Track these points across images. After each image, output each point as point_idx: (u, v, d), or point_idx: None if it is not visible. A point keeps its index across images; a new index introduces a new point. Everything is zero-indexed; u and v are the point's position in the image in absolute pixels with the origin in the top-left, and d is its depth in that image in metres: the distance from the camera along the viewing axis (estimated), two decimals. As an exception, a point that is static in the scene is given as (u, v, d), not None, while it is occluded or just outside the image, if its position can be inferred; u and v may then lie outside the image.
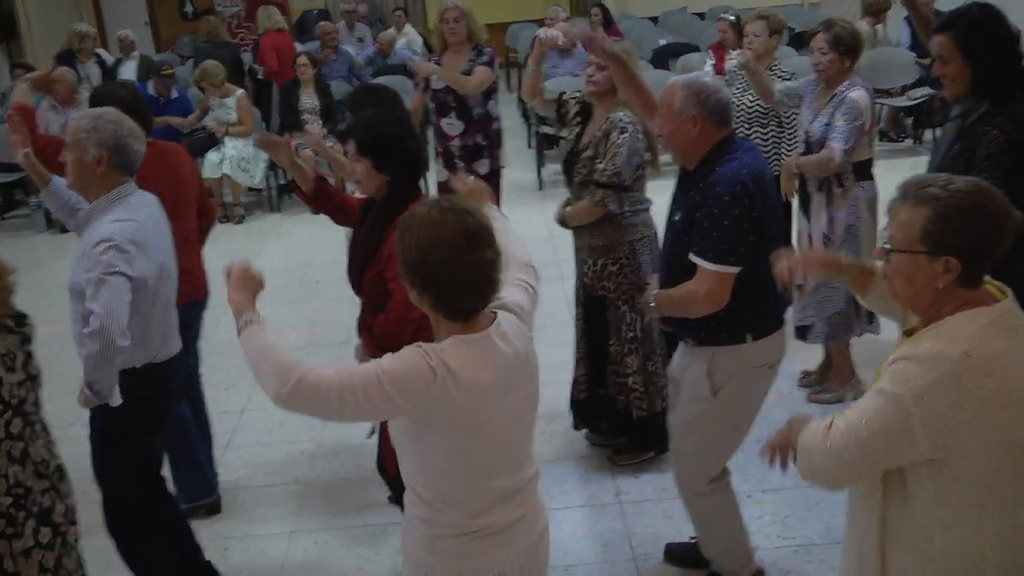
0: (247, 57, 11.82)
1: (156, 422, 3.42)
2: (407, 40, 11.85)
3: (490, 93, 5.98)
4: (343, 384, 2.15)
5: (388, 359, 2.18)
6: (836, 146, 4.38)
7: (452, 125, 5.92)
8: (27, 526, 2.62)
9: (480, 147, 5.97)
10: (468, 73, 5.84)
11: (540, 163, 9.27)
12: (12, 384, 2.58)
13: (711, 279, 3.04)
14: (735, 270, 3.03)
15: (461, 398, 2.16)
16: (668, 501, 3.53)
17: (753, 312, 3.13)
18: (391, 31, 11.71)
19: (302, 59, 8.91)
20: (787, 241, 4.79)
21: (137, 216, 3.19)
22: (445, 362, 2.15)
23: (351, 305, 6.49)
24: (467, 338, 2.21)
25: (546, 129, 9.25)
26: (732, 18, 6.76)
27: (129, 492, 3.40)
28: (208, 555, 3.91)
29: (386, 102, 4.00)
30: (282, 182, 9.10)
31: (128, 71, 11.23)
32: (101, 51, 12.22)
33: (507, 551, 2.34)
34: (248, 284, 2.46)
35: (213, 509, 4.28)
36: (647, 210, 4.22)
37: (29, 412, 2.64)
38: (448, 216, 2.18)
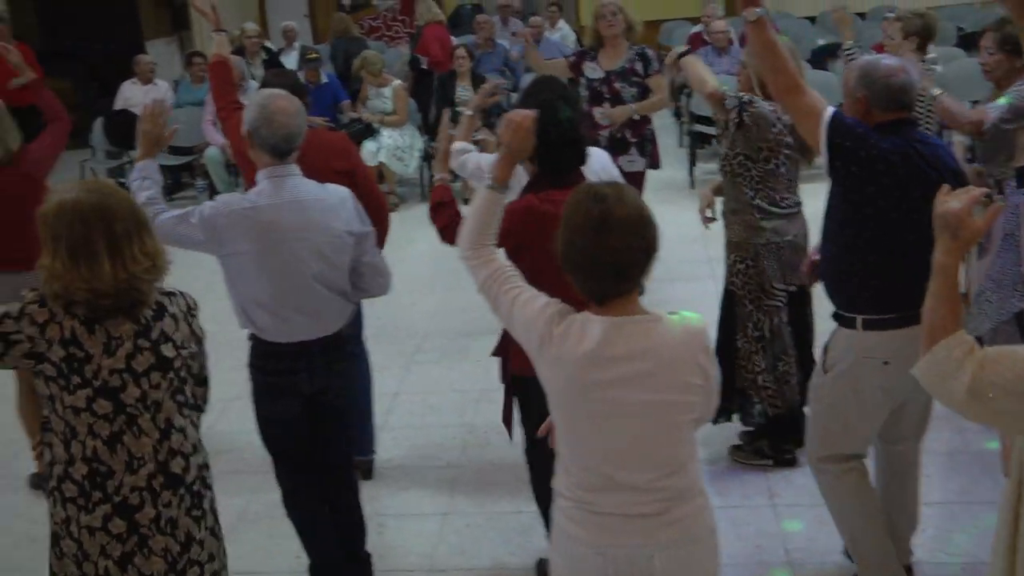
0: (404, 50, 12.08)
1: None
2: (561, 35, 11.89)
3: (645, 91, 5.96)
4: (495, 275, 2.48)
5: (533, 292, 2.42)
6: (992, 115, 4.17)
7: (604, 116, 5.91)
8: (99, 508, 2.52)
9: (627, 142, 5.96)
10: (630, 72, 5.87)
11: (692, 161, 9.18)
12: (105, 368, 2.47)
13: None
14: None
15: (557, 365, 2.31)
16: (823, 507, 3.46)
17: (868, 298, 3.09)
18: (540, 18, 11.77)
19: (460, 51, 9.04)
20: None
21: None
22: (562, 325, 2.30)
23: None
24: (592, 317, 2.30)
25: (699, 127, 9.16)
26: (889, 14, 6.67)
27: None
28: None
29: (566, 100, 3.93)
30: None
31: (290, 61, 11.61)
32: (266, 42, 12.72)
33: (592, 536, 2.36)
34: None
35: (367, 473, 4.41)
36: (788, 214, 4.16)
37: (129, 404, 2.51)
38: (584, 201, 2.27)
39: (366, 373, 4.46)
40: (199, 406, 2.75)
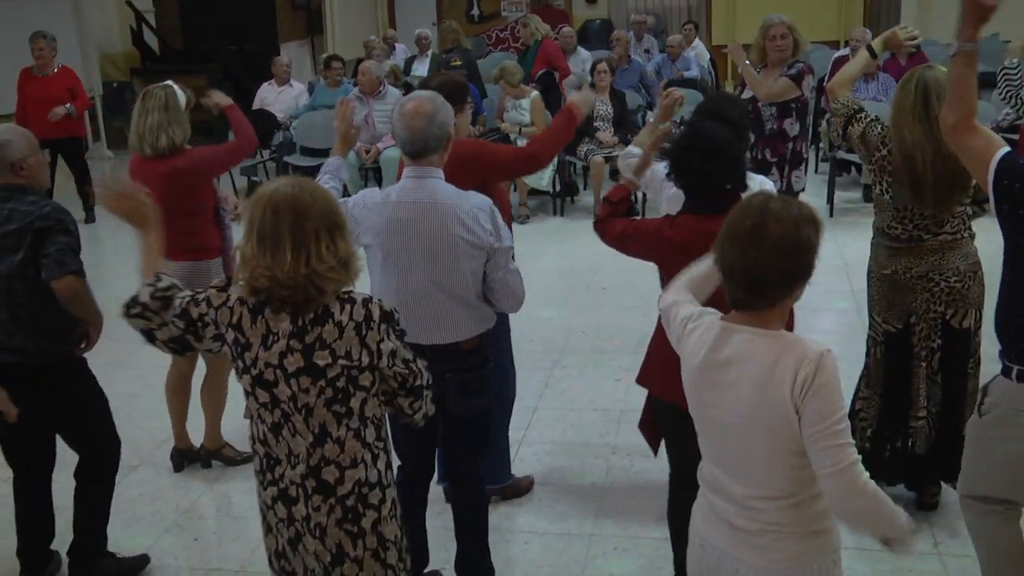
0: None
1: None
2: (696, 52, 11.78)
3: (788, 111, 5.79)
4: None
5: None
6: None
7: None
8: (270, 489, 2.58)
9: (768, 163, 5.79)
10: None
11: (831, 189, 8.89)
12: (262, 360, 2.49)
13: None
14: None
15: (684, 361, 2.42)
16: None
17: (1014, 342, 2.90)
18: (678, 36, 11.68)
19: (602, 65, 8.96)
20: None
21: None
22: (691, 324, 2.43)
23: (641, 316, 6.54)
24: (717, 321, 2.37)
25: (842, 154, 8.90)
26: None
27: None
28: (510, 546, 3.96)
29: (729, 121, 3.78)
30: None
31: (421, 68, 11.72)
32: (398, 44, 12.89)
33: (700, 526, 2.48)
34: None
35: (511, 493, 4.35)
36: (894, 247, 3.90)
37: (282, 401, 2.51)
38: (747, 209, 2.29)
39: (503, 393, 4.22)
40: (386, 418, 2.68)
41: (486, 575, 3.60)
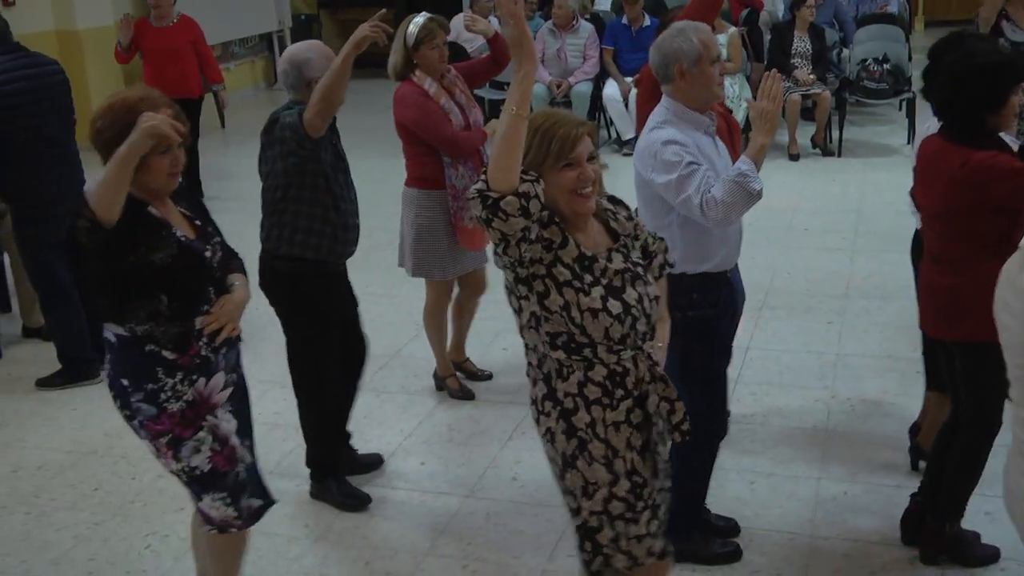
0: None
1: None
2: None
3: None
4: None
5: None
6: None
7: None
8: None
9: None
10: None
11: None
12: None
13: None
14: None
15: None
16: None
17: None
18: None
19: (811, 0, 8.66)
20: None
21: None
22: None
23: (847, 259, 6.40)
24: None
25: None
26: None
27: None
28: (734, 488, 3.98)
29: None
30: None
31: (603, 3, 11.59)
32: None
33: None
34: None
35: None
36: None
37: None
38: None
39: None
40: None
41: None
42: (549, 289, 2.47)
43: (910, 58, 9.44)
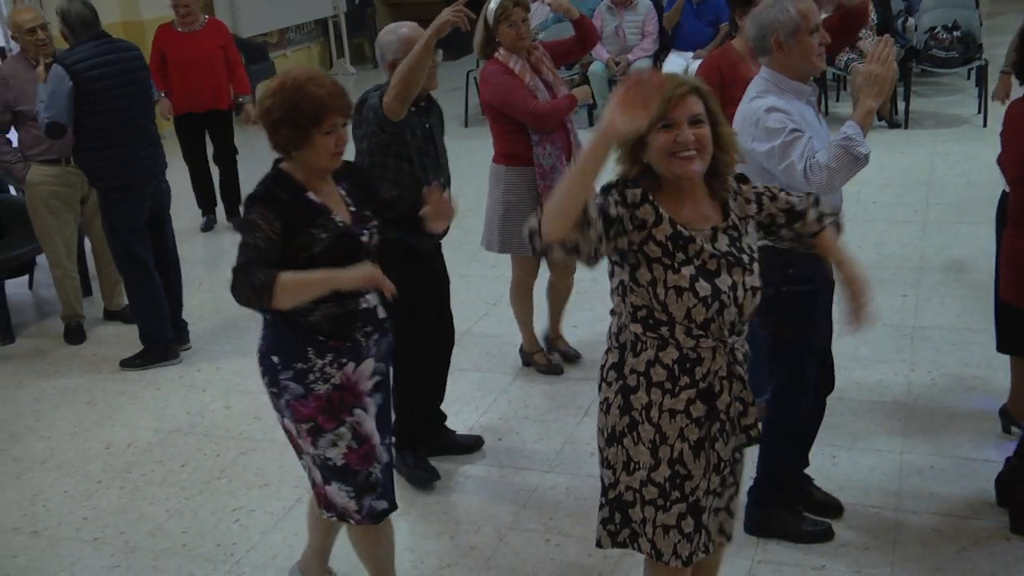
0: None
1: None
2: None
3: None
4: None
5: None
6: None
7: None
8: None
9: None
10: None
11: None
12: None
13: None
14: None
15: None
16: None
17: None
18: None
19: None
20: None
21: None
22: None
23: (919, 232, 6.31)
24: None
25: None
26: None
27: None
28: (815, 463, 3.93)
29: None
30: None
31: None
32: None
33: None
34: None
35: None
36: None
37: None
38: None
39: None
40: None
41: None
42: (640, 263, 2.44)
43: (980, 24, 9.25)
